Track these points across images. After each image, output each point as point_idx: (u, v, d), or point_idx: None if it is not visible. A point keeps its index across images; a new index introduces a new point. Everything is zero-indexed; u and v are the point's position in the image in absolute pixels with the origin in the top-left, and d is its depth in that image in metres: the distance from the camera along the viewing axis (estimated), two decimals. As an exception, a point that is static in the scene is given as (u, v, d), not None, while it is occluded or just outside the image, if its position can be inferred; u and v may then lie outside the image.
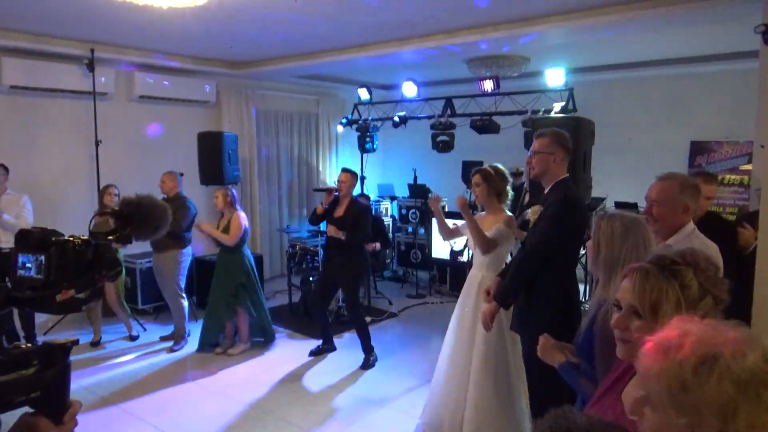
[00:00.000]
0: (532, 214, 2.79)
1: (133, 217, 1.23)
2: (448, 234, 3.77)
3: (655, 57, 6.47)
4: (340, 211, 4.77)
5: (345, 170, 4.90)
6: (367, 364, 4.82)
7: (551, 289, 2.68)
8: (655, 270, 1.28)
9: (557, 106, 5.68)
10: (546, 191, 2.81)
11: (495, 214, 3.49)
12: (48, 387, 0.99)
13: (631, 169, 7.02)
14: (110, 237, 1.18)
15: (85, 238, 1.10)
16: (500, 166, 3.55)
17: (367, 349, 4.86)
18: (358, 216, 4.70)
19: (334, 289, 5.26)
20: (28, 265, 1.06)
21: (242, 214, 5.10)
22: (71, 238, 1.07)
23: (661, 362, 0.90)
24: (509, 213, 3.51)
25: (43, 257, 1.05)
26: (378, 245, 6.19)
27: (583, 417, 0.92)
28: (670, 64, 6.62)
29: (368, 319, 5.34)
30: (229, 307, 5.09)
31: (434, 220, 4.15)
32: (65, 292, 1.02)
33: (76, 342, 1.05)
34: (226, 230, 5.03)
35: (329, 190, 4.81)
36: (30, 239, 1.06)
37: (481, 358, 3.33)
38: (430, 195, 3.80)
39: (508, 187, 3.53)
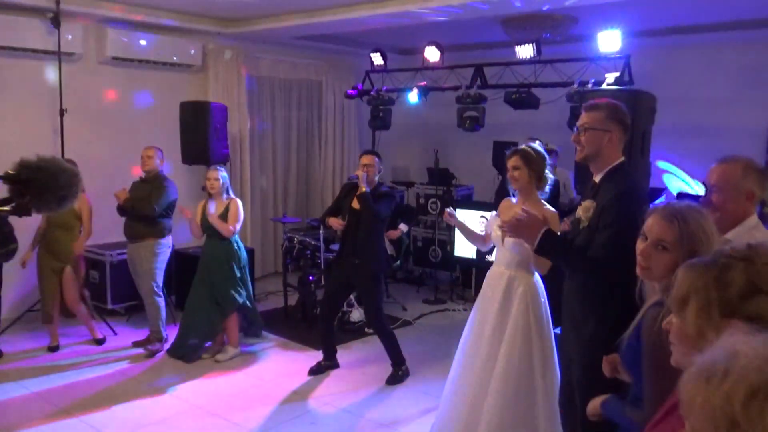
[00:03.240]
0: (583, 211, 2.69)
1: (31, 183, 1.14)
2: (483, 242, 3.76)
3: (731, 18, 6.35)
4: (358, 202, 4.76)
5: (369, 152, 4.93)
6: (397, 378, 4.86)
7: (611, 301, 2.57)
8: (699, 264, 1.25)
9: (610, 77, 5.63)
10: (597, 179, 2.73)
11: (534, 206, 3.43)
12: None
13: (698, 155, 6.93)
14: (4, 207, 1.12)
15: None
16: (538, 146, 3.55)
17: (397, 361, 4.89)
18: (381, 200, 4.73)
19: (346, 296, 5.28)
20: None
21: (239, 201, 5.26)
22: None
23: (704, 393, 0.86)
24: (552, 209, 3.46)
25: None
26: (403, 227, 5.99)
27: None
28: (748, 28, 6.50)
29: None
30: (224, 306, 5.16)
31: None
32: None
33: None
34: (222, 219, 5.14)
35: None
36: None
37: (502, 377, 3.31)
38: (447, 209, 3.81)
39: (548, 170, 3.52)
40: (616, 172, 2.68)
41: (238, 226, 5.19)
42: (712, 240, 1.70)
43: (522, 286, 3.42)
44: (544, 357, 3.37)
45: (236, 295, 5.19)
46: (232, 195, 5.26)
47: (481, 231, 3.86)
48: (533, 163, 3.46)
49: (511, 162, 3.50)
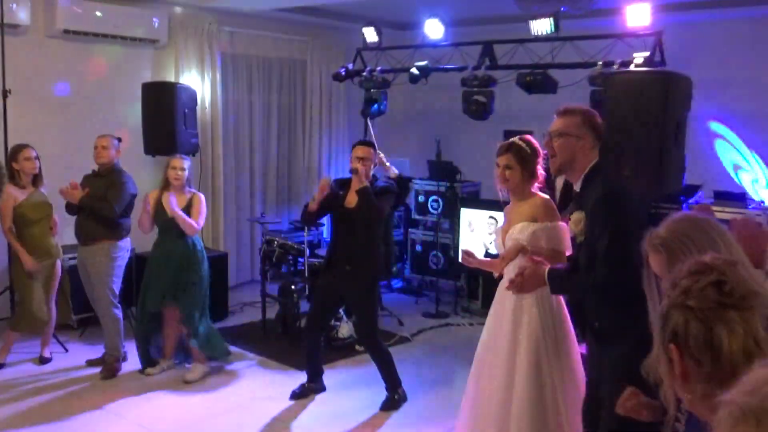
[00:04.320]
0: (574, 225, 2.85)
1: None
2: (497, 267, 3.78)
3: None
4: (352, 199, 4.74)
5: (364, 143, 4.92)
6: (392, 404, 4.85)
7: (634, 311, 2.64)
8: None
9: (639, 57, 5.64)
10: (577, 187, 2.91)
11: (526, 201, 3.56)
12: None
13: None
14: None
15: None
16: (532, 138, 3.64)
17: (393, 384, 4.88)
18: (381, 197, 4.72)
19: (336, 309, 5.26)
20: None
21: (203, 196, 5.32)
22: None
23: None
24: (543, 195, 3.58)
25: None
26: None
27: None
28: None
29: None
30: (162, 302, 5.20)
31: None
32: None
33: None
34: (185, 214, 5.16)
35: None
36: None
37: (523, 398, 3.37)
38: (464, 250, 3.85)
39: (539, 165, 3.61)
40: (592, 175, 2.86)
41: (201, 222, 5.25)
42: (702, 250, 1.76)
43: (531, 296, 3.46)
44: (562, 369, 3.43)
45: (192, 302, 5.18)
46: (193, 189, 5.30)
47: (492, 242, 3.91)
48: (527, 162, 3.53)
49: (503, 159, 3.56)
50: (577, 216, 2.82)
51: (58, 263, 5.42)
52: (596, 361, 2.94)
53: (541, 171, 3.58)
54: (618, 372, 2.65)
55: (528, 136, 3.64)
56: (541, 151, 3.58)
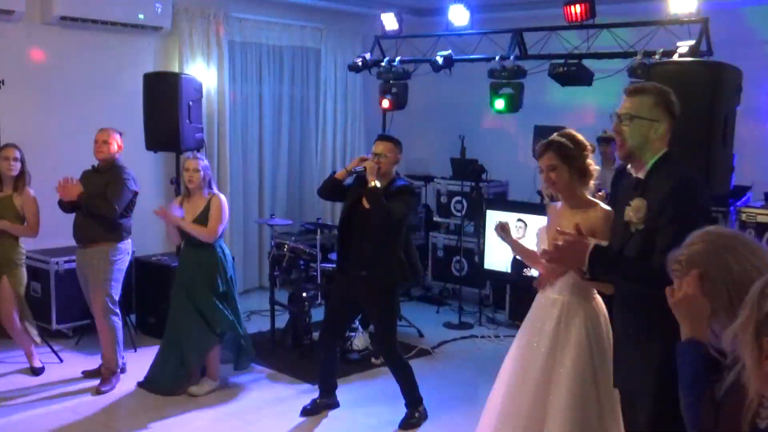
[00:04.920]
0: (633, 212, 2.76)
1: None
2: (535, 261, 3.74)
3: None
4: (366, 199, 4.73)
5: (384, 138, 4.89)
6: (412, 422, 4.84)
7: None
8: None
9: (683, 46, 5.60)
10: (641, 174, 2.83)
11: (584, 210, 3.44)
12: None
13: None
14: None
15: None
16: (574, 131, 3.55)
17: (413, 400, 4.87)
18: (396, 198, 4.68)
19: (352, 318, 5.25)
20: None
21: (223, 197, 5.26)
22: None
23: None
24: (605, 206, 3.47)
25: None
26: None
27: None
28: None
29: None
30: (208, 332, 5.17)
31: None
32: None
33: None
34: (202, 220, 5.14)
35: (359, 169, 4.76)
36: None
37: (560, 423, 3.32)
38: (497, 224, 3.82)
39: (590, 159, 3.51)
40: (663, 162, 2.79)
41: (221, 228, 5.18)
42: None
43: (579, 316, 3.43)
44: (611, 402, 3.36)
45: (227, 314, 5.19)
46: (214, 190, 5.27)
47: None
48: (573, 158, 3.43)
49: (544, 161, 3.48)
50: (638, 203, 2.74)
51: (5, 279, 5.29)
52: (628, 366, 2.88)
53: (594, 166, 3.49)
54: (658, 384, 2.63)
55: (569, 130, 3.55)
56: (589, 144, 3.52)
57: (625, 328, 2.88)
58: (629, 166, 2.90)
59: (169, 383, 5.24)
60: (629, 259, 2.79)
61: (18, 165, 5.35)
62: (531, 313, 3.63)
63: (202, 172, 5.17)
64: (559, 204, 3.60)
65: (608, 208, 3.42)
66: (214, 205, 5.15)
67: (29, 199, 5.39)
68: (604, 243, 2.98)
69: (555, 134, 3.54)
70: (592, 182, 3.51)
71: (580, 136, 3.52)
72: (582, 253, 2.78)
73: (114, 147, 5.36)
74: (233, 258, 6.99)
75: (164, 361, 5.27)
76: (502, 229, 3.76)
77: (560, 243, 2.83)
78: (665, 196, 2.68)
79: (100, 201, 5.19)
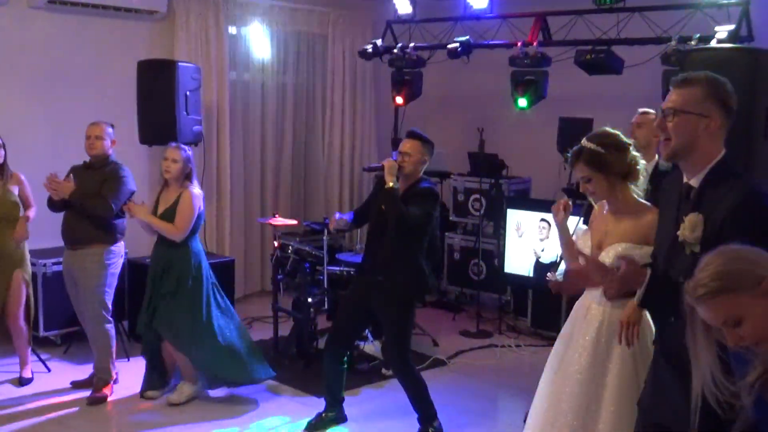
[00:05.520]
0: (689, 230, 2.62)
1: None
2: (573, 257, 3.61)
3: None
4: (382, 200, 4.74)
5: (412, 135, 4.88)
6: None
7: None
8: None
9: (722, 31, 5.59)
10: (693, 182, 2.70)
11: (635, 216, 3.37)
12: None
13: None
14: None
15: None
16: (608, 130, 3.44)
17: (427, 415, 4.87)
18: (414, 201, 4.69)
19: (364, 327, 5.25)
20: None
21: (196, 191, 5.21)
22: None
23: None
24: (650, 206, 3.38)
25: None
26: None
27: None
28: None
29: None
30: (148, 327, 5.24)
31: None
32: None
33: None
34: (169, 215, 5.12)
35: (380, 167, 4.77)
36: None
37: None
38: (564, 199, 3.68)
39: (633, 153, 3.39)
40: (721, 171, 2.65)
41: (183, 224, 5.10)
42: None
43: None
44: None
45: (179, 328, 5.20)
46: (194, 184, 5.24)
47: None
48: (607, 164, 3.32)
49: (576, 172, 3.43)
50: (695, 219, 2.60)
51: (18, 272, 5.43)
52: (665, 398, 2.81)
53: (640, 163, 3.38)
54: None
55: (601, 129, 3.44)
56: (625, 141, 3.40)
57: (667, 352, 2.79)
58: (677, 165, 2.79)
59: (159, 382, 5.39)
60: (678, 284, 2.56)
61: (2, 152, 5.38)
62: (571, 321, 3.59)
63: (181, 164, 5.14)
64: (605, 208, 3.53)
65: (654, 209, 3.30)
66: (184, 199, 5.11)
67: (21, 180, 5.44)
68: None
69: (584, 139, 3.40)
70: (641, 179, 3.41)
71: (613, 136, 3.39)
72: (639, 280, 2.73)
73: (108, 142, 5.37)
74: (232, 260, 7.10)
75: (147, 358, 5.36)
76: (565, 210, 3.58)
77: (616, 272, 2.77)
78: (727, 215, 2.53)
79: (96, 200, 5.20)
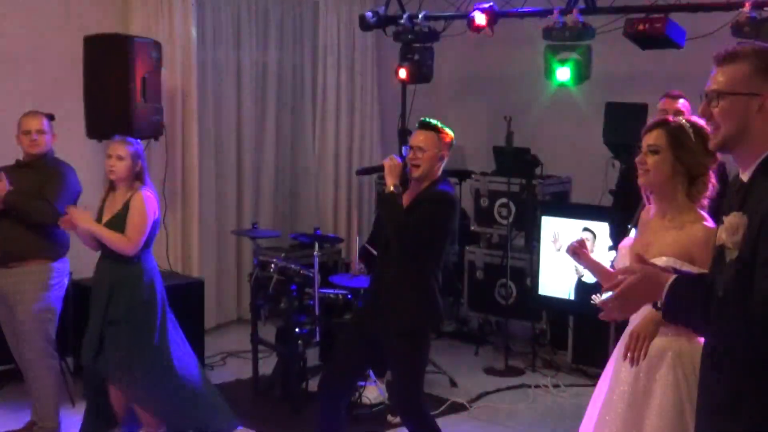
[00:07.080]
0: (728, 233, 2.63)
1: None
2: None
3: None
4: (405, 202, 4.73)
5: (425, 126, 4.87)
6: None
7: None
8: None
9: (805, -4, 5.60)
10: (745, 177, 2.71)
11: (681, 226, 3.44)
12: None
13: None
14: None
15: None
16: (702, 122, 3.49)
17: None
18: (423, 207, 4.68)
19: (367, 362, 5.26)
20: None
21: (150, 194, 5.16)
22: None
23: None
24: (712, 224, 3.42)
25: None
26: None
27: None
28: None
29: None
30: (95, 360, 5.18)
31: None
32: None
33: None
34: (118, 223, 5.05)
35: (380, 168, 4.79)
36: None
37: None
38: (583, 237, 3.83)
39: (709, 166, 3.48)
40: None
41: (136, 235, 5.03)
42: None
43: (665, 359, 3.44)
44: None
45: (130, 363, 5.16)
46: (146, 185, 5.19)
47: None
48: (687, 149, 3.41)
49: (648, 138, 3.49)
50: (735, 220, 2.62)
51: None
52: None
53: (711, 182, 3.47)
54: None
55: (698, 121, 3.42)
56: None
57: (708, 393, 2.79)
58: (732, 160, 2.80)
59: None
60: (713, 298, 2.63)
61: None
62: (617, 349, 3.64)
63: (128, 161, 5.06)
64: (652, 210, 3.59)
65: (714, 226, 3.31)
66: (134, 204, 5.03)
67: None
68: (694, 270, 2.95)
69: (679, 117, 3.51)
70: (703, 197, 3.48)
71: (707, 132, 3.43)
72: (656, 289, 2.71)
73: (48, 136, 5.37)
74: (201, 281, 7.09)
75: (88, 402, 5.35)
76: (577, 249, 3.73)
77: (623, 282, 2.77)
78: (766, 215, 2.54)
79: (35, 203, 5.19)
